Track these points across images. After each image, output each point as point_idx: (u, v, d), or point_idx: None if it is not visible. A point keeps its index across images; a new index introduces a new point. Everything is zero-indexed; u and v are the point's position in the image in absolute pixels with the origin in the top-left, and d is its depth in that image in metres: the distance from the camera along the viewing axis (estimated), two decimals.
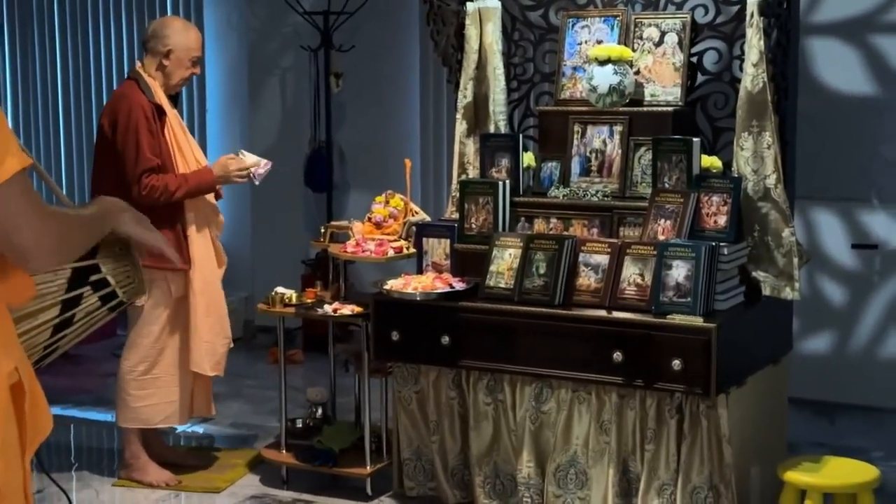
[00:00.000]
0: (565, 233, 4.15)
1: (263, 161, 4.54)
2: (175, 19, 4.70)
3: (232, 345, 4.65)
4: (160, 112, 4.39)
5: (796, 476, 3.65)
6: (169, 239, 4.36)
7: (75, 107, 7.48)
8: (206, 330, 4.49)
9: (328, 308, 4.40)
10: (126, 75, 4.60)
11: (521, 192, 4.34)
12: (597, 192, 4.18)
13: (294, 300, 4.53)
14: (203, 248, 4.48)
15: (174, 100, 4.59)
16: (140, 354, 4.49)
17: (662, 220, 3.93)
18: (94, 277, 2.07)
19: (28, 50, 7.57)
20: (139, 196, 4.29)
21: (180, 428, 5.19)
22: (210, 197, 4.55)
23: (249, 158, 4.53)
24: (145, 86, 4.40)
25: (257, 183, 4.60)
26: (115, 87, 7.11)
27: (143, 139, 4.31)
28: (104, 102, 7.16)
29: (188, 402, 4.60)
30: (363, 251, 4.35)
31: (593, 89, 4.18)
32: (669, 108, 4.18)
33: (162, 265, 4.26)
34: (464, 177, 4.53)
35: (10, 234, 1.73)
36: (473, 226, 4.26)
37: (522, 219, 4.26)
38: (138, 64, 4.51)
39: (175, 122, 4.49)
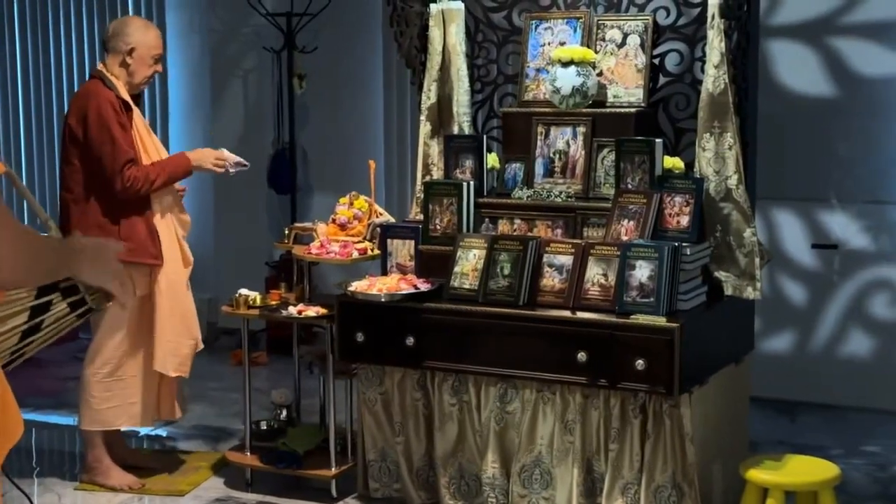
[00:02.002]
0: (529, 234, 4.16)
1: (243, 161, 4.59)
2: (135, 18, 4.68)
3: (201, 346, 4.62)
4: (127, 108, 4.38)
5: (758, 474, 3.68)
6: (142, 232, 4.35)
7: (35, 109, 7.42)
8: (170, 330, 4.47)
9: (292, 310, 4.39)
10: (88, 76, 4.58)
11: (485, 193, 4.35)
12: (560, 192, 4.20)
13: (258, 302, 4.51)
14: (169, 247, 4.46)
15: (137, 100, 4.57)
16: (104, 356, 4.46)
17: (626, 221, 3.95)
18: (63, 284, 2.06)
19: None
20: (122, 189, 4.29)
21: (143, 431, 5.17)
22: (176, 194, 4.54)
23: (231, 157, 4.56)
24: (110, 83, 4.38)
25: (232, 173, 4.60)
26: (76, 87, 7.10)
27: (117, 132, 4.30)
28: (65, 102, 7.16)
29: (153, 404, 4.57)
30: (327, 253, 4.34)
31: (556, 91, 4.20)
32: (632, 110, 4.20)
33: (130, 259, 4.26)
34: (428, 178, 4.53)
35: None
36: (438, 227, 4.26)
37: (487, 220, 4.27)
38: (100, 64, 4.49)
39: (139, 121, 4.48)
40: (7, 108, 7.50)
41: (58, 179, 4.59)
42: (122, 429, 4.67)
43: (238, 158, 4.58)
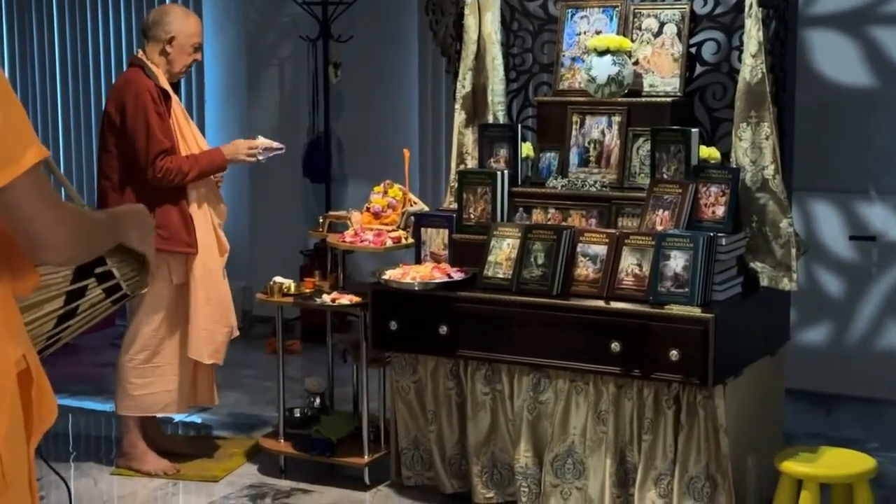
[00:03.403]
0: (563, 223, 4.15)
1: (276, 144, 4.59)
2: (174, 6, 4.70)
3: (237, 333, 4.65)
4: (166, 97, 4.40)
5: (793, 466, 3.66)
6: (176, 220, 4.38)
7: (73, 96, 7.47)
8: (206, 317, 4.50)
9: (326, 298, 4.40)
10: (127, 64, 4.61)
11: (519, 183, 4.34)
12: (595, 182, 4.19)
13: (292, 290, 4.53)
14: (205, 235, 4.49)
15: (175, 88, 4.59)
16: (141, 342, 4.49)
17: (661, 211, 3.93)
18: (99, 269, 2.07)
19: (27, 38, 7.56)
20: (153, 179, 4.31)
21: (178, 417, 5.20)
22: (212, 183, 4.56)
23: (263, 143, 4.57)
24: (150, 72, 4.40)
25: (262, 160, 4.61)
26: (114, 76, 7.16)
27: (154, 122, 4.32)
28: (103, 91, 7.22)
29: (188, 390, 4.60)
30: (361, 241, 4.35)
31: (592, 80, 4.18)
32: (668, 99, 4.18)
33: (167, 248, 4.30)
34: (462, 167, 4.53)
35: (29, 223, 1.75)
36: (472, 216, 4.26)
37: (521, 209, 4.27)
38: (140, 52, 4.51)
39: (178, 109, 4.50)
40: (46, 96, 7.56)
41: (96, 167, 4.62)
42: (158, 415, 4.70)
43: (268, 143, 4.57)
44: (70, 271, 2.04)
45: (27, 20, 7.53)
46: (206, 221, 4.52)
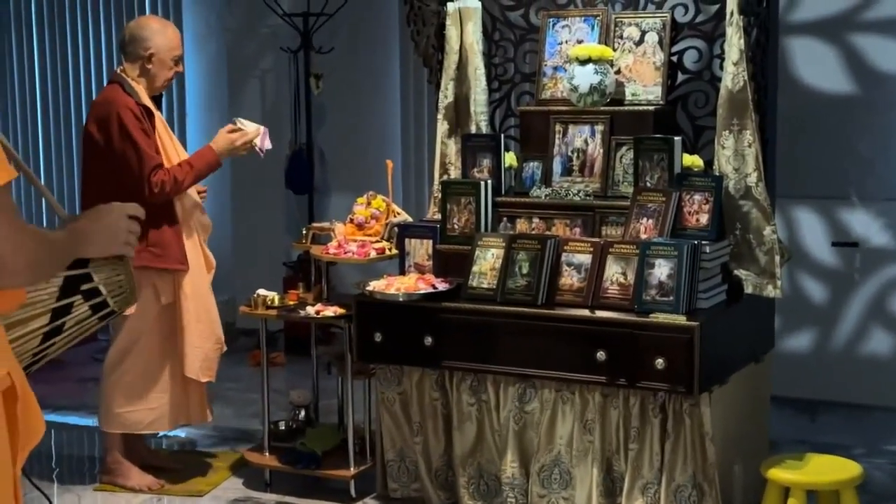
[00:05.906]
0: (548, 233, 4.15)
1: (263, 129, 4.51)
2: (151, 19, 4.61)
3: (224, 348, 4.62)
4: (149, 113, 4.35)
5: (779, 474, 3.66)
6: (169, 237, 4.34)
7: (54, 111, 7.44)
8: (197, 335, 4.45)
9: (310, 310, 4.39)
10: (108, 79, 4.54)
11: (503, 193, 4.33)
12: (579, 191, 4.18)
13: (276, 302, 4.51)
14: (191, 253, 4.44)
15: (157, 101, 4.54)
16: (126, 361, 4.44)
17: (644, 219, 3.93)
18: (85, 286, 2.05)
19: (5, 53, 7.52)
20: (151, 195, 4.23)
21: (162, 432, 5.17)
22: (195, 195, 4.52)
23: (249, 127, 4.49)
24: (130, 89, 4.32)
25: (262, 156, 4.57)
26: (94, 89, 7.12)
27: (140, 140, 4.25)
28: (83, 104, 7.18)
29: (175, 407, 4.53)
30: (345, 252, 4.33)
31: (574, 89, 4.19)
32: (650, 108, 4.18)
33: (161, 265, 4.25)
34: (445, 177, 4.52)
35: None
36: (456, 226, 4.25)
37: (504, 219, 4.26)
38: (119, 68, 4.44)
39: (161, 126, 4.44)
40: (26, 111, 7.51)
41: (77, 185, 4.58)
42: (142, 433, 4.65)
43: (254, 127, 4.47)
44: (56, 288, 2.02)
45: (6, 33, 7.49)
46: (192, 238, 4.48)
